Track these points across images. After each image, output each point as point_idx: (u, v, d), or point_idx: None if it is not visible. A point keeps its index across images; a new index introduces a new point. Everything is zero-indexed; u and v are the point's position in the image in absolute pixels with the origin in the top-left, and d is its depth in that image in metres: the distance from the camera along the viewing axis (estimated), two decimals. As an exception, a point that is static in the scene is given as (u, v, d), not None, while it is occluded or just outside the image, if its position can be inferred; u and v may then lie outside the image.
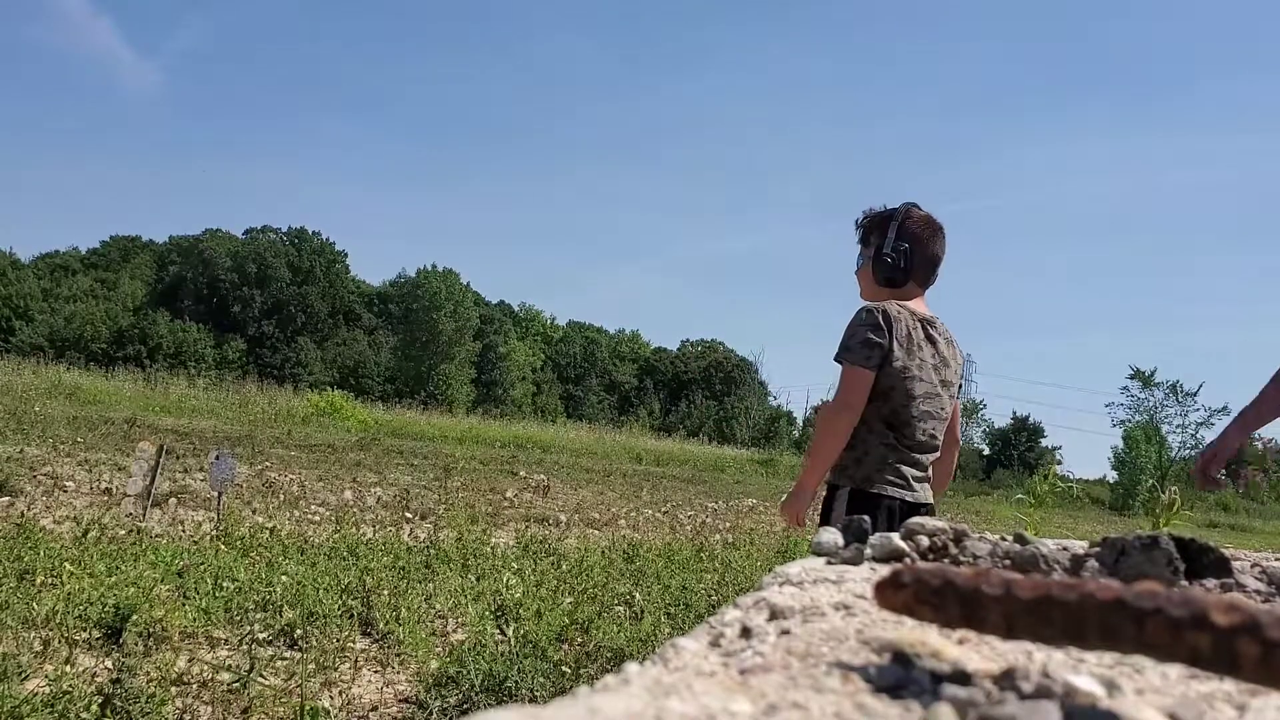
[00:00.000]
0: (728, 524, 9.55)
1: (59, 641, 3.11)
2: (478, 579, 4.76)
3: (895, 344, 2.45)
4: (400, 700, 3.14)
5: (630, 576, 5.33)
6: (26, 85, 70.53)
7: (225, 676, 2.98)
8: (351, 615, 3.82)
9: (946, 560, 0.72)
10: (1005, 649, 0.48)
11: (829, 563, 0.72)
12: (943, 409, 2.56)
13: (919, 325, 2.52)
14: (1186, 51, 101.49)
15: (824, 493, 2.61)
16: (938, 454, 2.61)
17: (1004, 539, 0.75)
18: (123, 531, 4.88)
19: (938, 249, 2.63)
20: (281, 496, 7.73)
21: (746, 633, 0.49)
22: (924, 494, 2.55)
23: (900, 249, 2.58)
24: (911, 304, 2.58)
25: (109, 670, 2.75)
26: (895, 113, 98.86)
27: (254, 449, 11.86)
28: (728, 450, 30.73)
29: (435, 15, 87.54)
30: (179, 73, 76.86)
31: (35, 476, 7.23)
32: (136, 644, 2.99)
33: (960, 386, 2.69)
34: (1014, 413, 49.92)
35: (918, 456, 2.52)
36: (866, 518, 0.80)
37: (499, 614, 3.93)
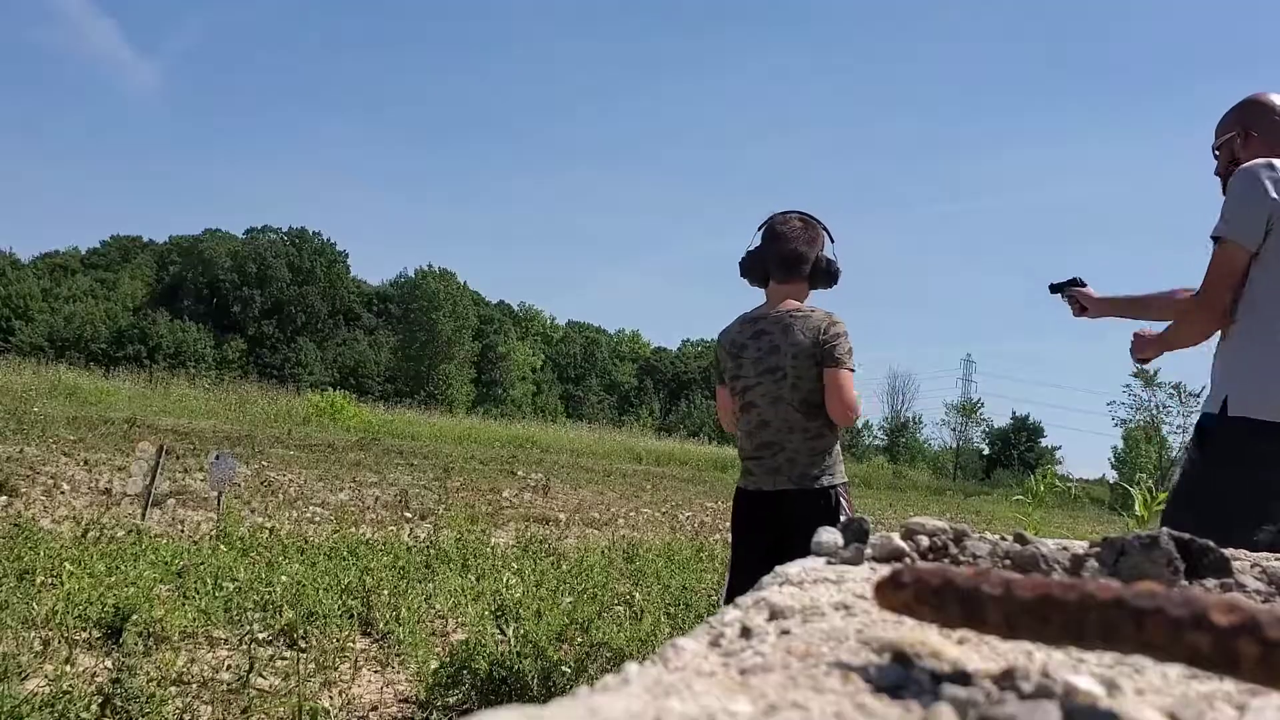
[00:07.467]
0: (728, 524, 9.53)
1: (59, 641, 3.11)
2: (477, 579, 4.75)
3: (725, 357, 2.81)
4: (400, 700, 3.14)
5: (630, 576, 5.33)
6: (27, 86, 70.68)
7: (225, 676, 2.98)
8: (351, 615, 3.82)
9: (946, 560, 0.72)
10: (1005, 649, 0.47)
11: (829, 562, 0.72)
12: (765, 395, 2.70)
13: (746, 328, 2.77)
14: (1187, 51, 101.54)
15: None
16: (776, 437, 2.69)
17: (1004, 539, 0.75)
18: (122, 531, 4.88)
19: (757, 241, 2.82)
20: (281, 496, 7.73)
21: (746, 633, 0.49)
22: (767, 482, 2.70)
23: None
24: (765, 306, 2.78)
25: (109, 670, 2.75)
26: (894, 113, 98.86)
27: (254, 449, 11.86)
28: (728, 450, 30.70)
29: (435, 16, 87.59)
30: (179, 73, 77.07)
31: (35, 476, 7.23)
32: (136, 644, 2.98)
33: (816, 356, 2.62)
34: (1014, 413, 49.98)
35: (753, 447, 2.74)
36: (867, 518, 0.80)
37: (499, 614, 3.92)
